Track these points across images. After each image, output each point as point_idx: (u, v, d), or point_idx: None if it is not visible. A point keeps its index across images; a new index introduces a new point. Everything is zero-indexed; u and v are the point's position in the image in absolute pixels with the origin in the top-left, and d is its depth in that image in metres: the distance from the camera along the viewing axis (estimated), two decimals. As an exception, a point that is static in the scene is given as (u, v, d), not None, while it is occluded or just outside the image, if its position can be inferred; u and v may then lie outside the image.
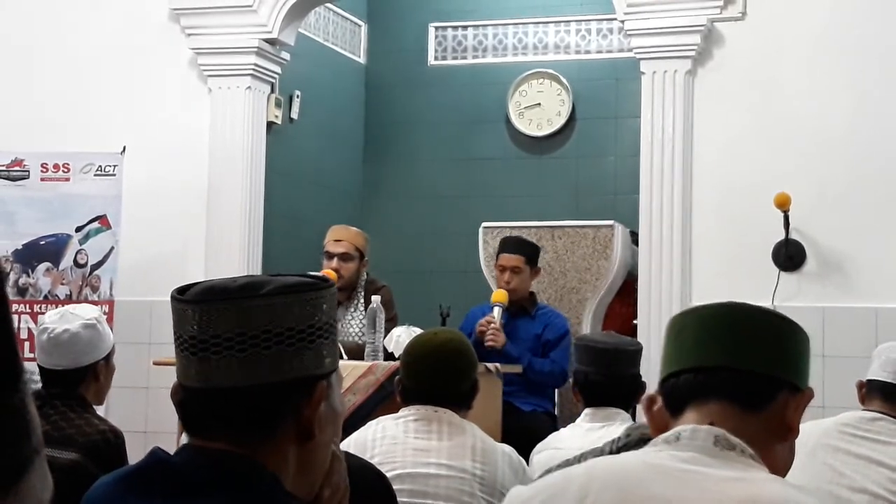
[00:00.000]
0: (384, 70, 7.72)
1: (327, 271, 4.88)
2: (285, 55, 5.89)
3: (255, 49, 5.67)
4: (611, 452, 2.37)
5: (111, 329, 3.40)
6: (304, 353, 1.37)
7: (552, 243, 5.75)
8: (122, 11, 5.85)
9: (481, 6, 7.59)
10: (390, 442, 2.88)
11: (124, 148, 5.55)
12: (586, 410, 3.34)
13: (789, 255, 4.93)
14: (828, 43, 5.00)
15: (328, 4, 6.64)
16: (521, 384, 5.03)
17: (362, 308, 5.01)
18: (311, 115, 6.90)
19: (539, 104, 7.37)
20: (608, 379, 3.29)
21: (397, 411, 2.99)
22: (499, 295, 5.10)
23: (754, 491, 1.36)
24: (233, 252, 5.60)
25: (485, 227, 5.90)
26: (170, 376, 1.44)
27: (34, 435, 0.91)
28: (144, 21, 5.81)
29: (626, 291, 5.73)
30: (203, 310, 1.36)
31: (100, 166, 5.52)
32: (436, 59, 7.67)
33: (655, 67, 5.15)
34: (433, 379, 2.94)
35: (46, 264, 5.47)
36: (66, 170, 5.53)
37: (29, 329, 5.02)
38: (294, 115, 6.70)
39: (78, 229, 5.47)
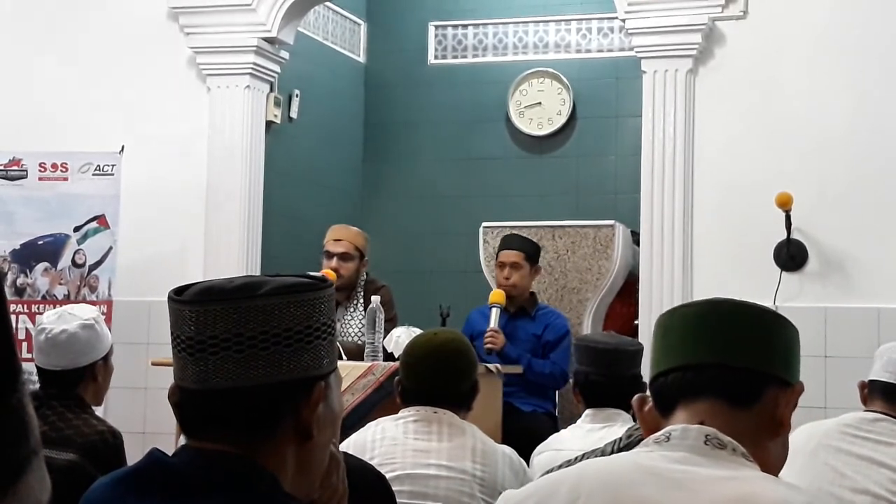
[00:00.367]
0: (384, 69, 7.71)
1: (327, 271, 4.88)
2: (284, 54, 5.88)
3: (255, 48, 5.66)
4: (612, 453, 2.36)
5: (109, 329, 3.39)
6: (302, 353, 1.36)
7: (553, 243, 5.75)
8: (121, 10, 5.84)
9: (481, 5, 7.59)
10: (390, 443, 2.88)
11: (123, 147, 5.54)
12: (587, 411, 3.33)
13: (791, 255, 4.92)
14: (828, 43, 5.00)
15: (328, 3, 6.63)
16: (522, 385, 5.02)
17: (362, 308, 5.00)
18: (311, 115, 6.89)
19: (539, 103, 7.36)
20: (609, 379, 3.28)
21: (396, 411, 2.98)
22: (496, 295, 5.09)
23: (746, 490, 1.35)
24: (232, 252, 5.59)
25: (485, 227, 5.90)
26: (168, 377, 1.44)
27: (32, 435, 0.90)
28: (143, 20, 5.80)
29: (627, 291, 5.72)
30: (200, 311, 1.35)
31: (98, 166, 5.51)
32: (436, 58, 7.67)
33: (656, 66, 5.14)
34: (433, 379, 2.93)
35: (44, 264, 5.46)
36: (64, 169, 5.52)
37: (27, 329, 5.01)
38: (293, 115, 6.69)
39: (76, 229, 5.46)
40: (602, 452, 2.44)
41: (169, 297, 1.39)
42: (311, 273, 1.52)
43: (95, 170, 5.51)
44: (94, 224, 5.47)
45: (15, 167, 5.54)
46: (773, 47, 5.05)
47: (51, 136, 5.71)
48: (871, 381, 3.00)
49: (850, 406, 3.12)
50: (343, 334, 4.92)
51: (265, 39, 5.70)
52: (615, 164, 7.10)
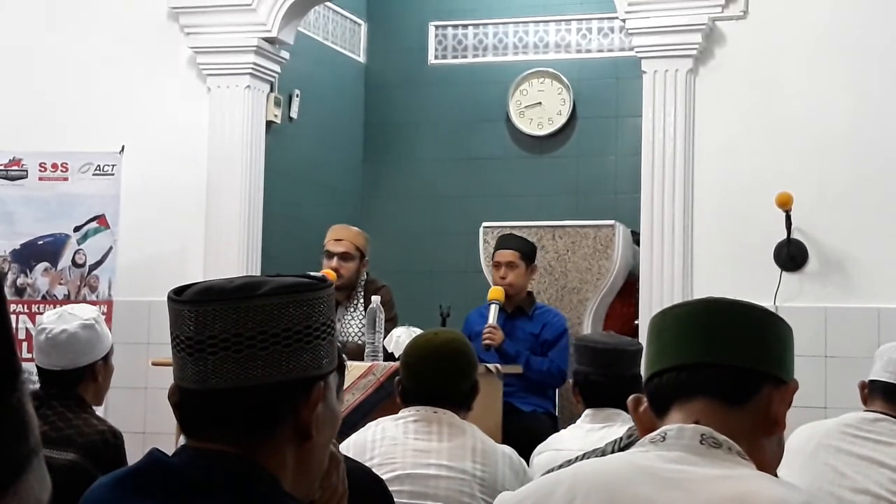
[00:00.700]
0: (384, 69, 7.71)
1: (327, 271, 4.88)
2: (285, 54, 5.87)
3: (255, 48, 5.66)
4: (612, 453, 2.36)
5: (109, 329, 3.39)
6: (302, 353, 1.36)
7: (553, 243, 5.75)
8: (121, 10, 5.83)
9: (482, 5, 7.59)
10: (390, 443, 2.88)
11: (123, 147, 5.54)
12: (587, 411, 3.33)
13: (791, 255, 4.92)
14: (828, 43, 5.00)
15: (328, 3, 6.63)
16: (522, 384, 5.02)
17: (362, 308, 5.00)
18: (311, 115, 6.89)
19: (540, 103, 7.36)
20: (608, 379, 3.28)
21: (397, 411, 2.98)
22: (495, 292, 5.10)
23: (742, 488, 1.35)
24: (232, 252, 5.59)
25: (485, 227, 5.90)
26: (168, 377, 1.44)
27: (32, 435, 0.90)
28: (143, 20, 5.80)
29: (628, 291, 5.72)
30: (199, 310, 1.35)
31: (98, 166, 5.50)
32: (436, 58, 7.67)
33: (656, 66, 5.14)
34: (433, 379, 2.93)
35: (44, 264, 5.45)
36: (64, 169, 5.52)
37: (27, 329, 5.01)
38: (293, 115, 6.69)
39: (76, 229, 5.46)
40: (602, 452, 2.45)
41: (168, 297, 1.39)
42: (311, 273, 1.52)
43: (95, 170, 5.50)
44: (94, 224, 5.47)
45: (15, 167, 5.53)
46: (773, 47, 5.05)
47: (51, 136, 5.71)
48: (872, 381, 3.00)
49: (850, 406, 3.12)
50: (343, 334, 4.92)
51: (265, 39, 5.70)
52: (615, 164, 7.10)
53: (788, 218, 4.85)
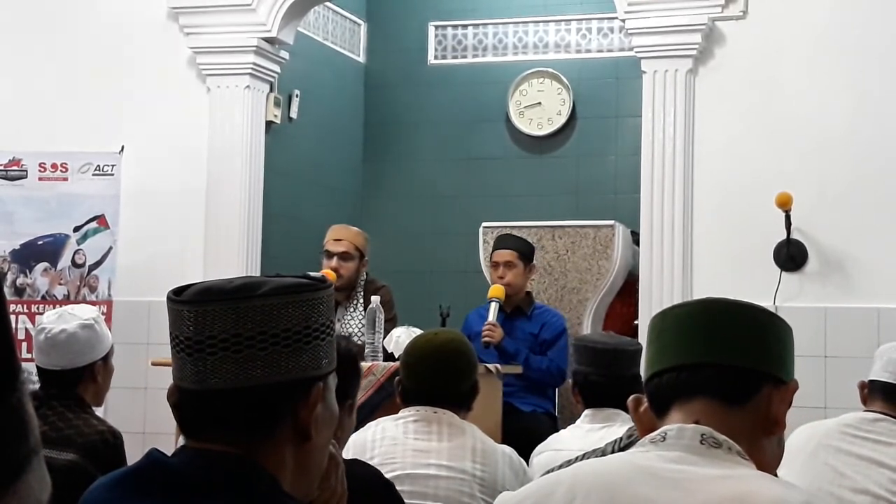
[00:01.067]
0: (384, 69, 7.71)
1: (326, 271, 4.88)
2: (284, 54, 5.87)
3: (254, 48, 5.66)
4: (612, 453, 2.36)
5: (109, 329, 3.39)
6: (301, 354, 1.36)
7: (553, 243, 5.75)
8: (121, 10, 5.83)
9: (481, 5, 7.59)
10: (390, 443, 2.88)
11: (122, 147, 5.54)
12: (586, 411, 3.33)
13: (791, 255, 4.92)
14: (828, 43, 5.00)
15: (328, 3, 6.63)
16: (521, 385, 5.02)
17: (362, 308, 5.00)
18: (311, 115, 6.89)
19: (539, 103, 7.36)
20: (608, 379, 3.28)
21: (397, 412, 2.98)
22: (495, 290, 5.11)
23: (742, 488, 1.35)
24: (231, 252, 5.59)
25: (485, 227, 5.90)
26: (168, 377, 1.44)
27: (32, 435, 0.90)
28: (143, 20, 5.80)
29: (627, 291, 5.72)
30: (199, 311, 1.35)
31: (98, 166, 5.50)
32: (436, 58, 7.67)
33: (656, 66, 5.14)
34: (433, 380, 2.93)
35: (44, 264, 5.45)
36: (64, 169, 5.52)
37: (26, 330, 5.01)
38: (293, 115, 6.69)
39: (76, 229, 5.46)
40: (602, 452, 2.45)
41: (168, 298, 1.39)
42: (311, 273, 1.52)
43: (95, 170, 5.50)
44: (93, 224, 5.47)
45: (15, 167, 5.53)
46: (773, 47, 5.05)
47: (51, 136, 5.71)
48: (871, 381, 3.00)
49: (850, 406, 3.12)
50: (343, 334, 4.92)
51: (265, 39, 5.70)
52: (615, 164, 7.10)
53: (788, 218, 4.85)
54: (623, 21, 5.26)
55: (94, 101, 5.78)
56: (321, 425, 1.40)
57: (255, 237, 5.70)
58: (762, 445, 1.50)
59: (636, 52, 5.24)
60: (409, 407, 2.94)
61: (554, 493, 1.43)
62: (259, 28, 5.67)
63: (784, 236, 4.90)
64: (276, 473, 1.35)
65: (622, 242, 5.70)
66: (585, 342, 3.45)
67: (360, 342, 4.80)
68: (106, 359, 3.15)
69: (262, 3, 5.65)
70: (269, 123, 6.04)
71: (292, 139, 6.69)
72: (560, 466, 2.21)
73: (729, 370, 1.50)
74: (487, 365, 4.49)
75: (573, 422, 3.44)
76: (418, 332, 3.49)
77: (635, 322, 5.28)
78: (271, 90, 6.04)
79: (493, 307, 5.04)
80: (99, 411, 3.31)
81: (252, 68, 5.68)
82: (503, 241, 5.31)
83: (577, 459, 2.35)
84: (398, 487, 2.67)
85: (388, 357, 4.51)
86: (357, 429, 2.99)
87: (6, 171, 5.53)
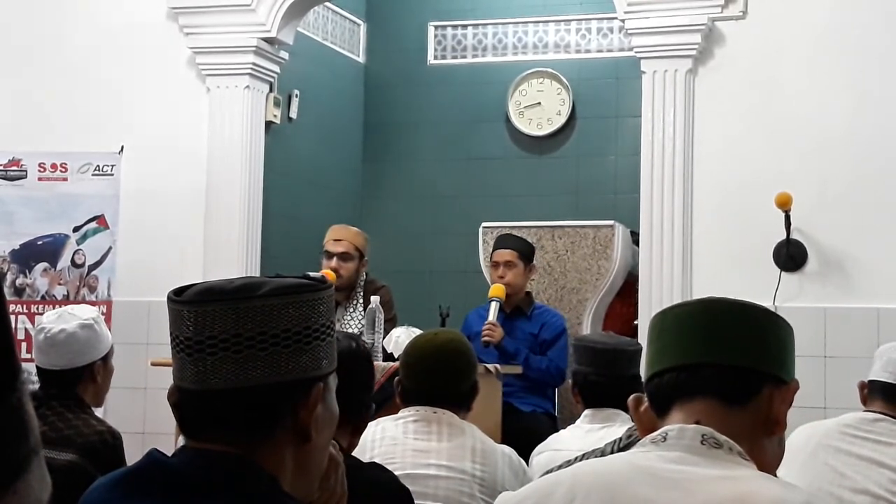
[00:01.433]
0: (383, 69, 7.71)
1: (326, 271, 4.88)
2: (284, 54, 5.87)
3: (254, 48, 5.66)
4: (612, 453, 2.36)
5: (109, 329, 3.39)
6: (301, 354, 1.36)
7: (552, 243, 5.75)
8: (120, 10, 5.83)
9: (481, 5, 7.59)
10: (390, 443, 2.88)
11: (122, 147, 5.54)
12: (586, 412, 3.34)
13: (790, 256, 4.92)
14: (828, 43, 5.00)
15: (327, 3, 6.63)
16: (521, 385, 5.03)
17: (361, 308, 5.00)
18: (310, 115, 6.88)
19: (539, 103, 7.36)
20: (608, 380, 3.29)
21: (398, 412, 2.98)
22: (496, 289, 5.11)
23: (742, 489, 1.35)
24: (231, 252, 5.59)
25: (485, 227, 5.90)
26: (168, 377, 1.44)
27: (32, 435, 0.90)
28: (142, 20, 5.80)
29: (627, 292, 5.72)
30: (199, 311, 1.35)
31: (98, 166, 5.50)
32: (435, 58, 7.67)
33: (656, 67, 5.14)
34: (433, 380, 2.93)
35: (44, 264, 5.45)
36: (63, 169, 5.51)
37: (26, 330, 5.00)
38: (293, 115, 6.69)
39: (76, 229, 5.46)
40: (602, 452, 2.45)
41: (168, 298, 1.39)
42: (311, 274, 1.52)
43: (95, 170, 5.50)
44: (93, 224, 5.47)
45: (14, 167, 5.53)
46: (773, 47, 5.05)
47: (50, 136, 5.71)
48: (871, 382, 3.00)
49: (849, 406, 3.12)
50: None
51: (265, 39, 5.70)
52: (615, 164, 7.10)
53: (788, 218, 4.85)
54: (623, 21, 5.26)
55: (94, 101, 5.78)
56: (321, 426, 1.40)
57: (254, 237, 5.70)
58: (763, 446, 1.50)
59: (636, 52, 5.24)
60: (409, 407, 2.94)
61: (554, 493, 1.43)
62: (259, 28, 5.67)
63: (784, 236, 4.90)
64: (275, 474, 1.35)
65: (622, 242, 5.70)
66: (585, 342, 3.45)
67: (359, 342, 4.80)
68: (106, 359, 3.15)
69: (262, 3, 5.65)
70: (268, 123, 6.04)
71: (292, 139, 6.69)
72: (560, 467, 2.21)
73: (729, 370, 1.50)
74: (487, 365, 4.49)
75: (573, 422, 3.44)
76: (418, 332, 3.49)
77: (635, 322, 5.28)
78: (271, 90, 6.04)
79: (494, 307, 5.04)
80: (99, 411, 3.31)
81: (252, 68, 5.68)
82: (503, 241, 5.31)
83: (576, 460, 2.35)
84: (398, 488, 2.67)
85: (388, 357, 4.51)
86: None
87: (6, 171, 5.53)
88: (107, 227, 5.47)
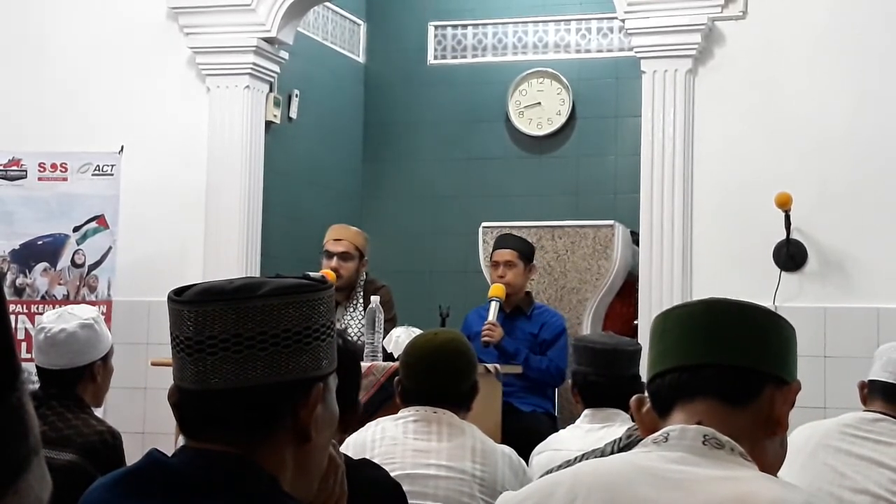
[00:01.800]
0: (383, 69, 7.71)
1: (326, 271, 4.88)
2: (284, 54, 5.87)
3: (254, 48, 5.66)
4: (612, 453, 2.36)
5: (109, 329, 3.39)
6: (301, 354, 1.36)
7: (552, 243, 5.75)
8: (120, 10, 5.83)
9: (481, 5, 7.59)
10: (390, 443, 2.88)
11: (122, 147, 5.54)
12: (586, 411, 3.34)
13: (790, 255, 4.92)
14: (828, 43, 5.00)
15: (327, 3, 6.63)
16: (521, 385, 5.03)
17: (361, 308, 5.00)
18: (310, 115, 6.89)
19: (539, 103, 7.36)
20: (607, 380, 3.29)
21: (397, 412, 2.98)
22: (496, 289, 5.11)
23: (743, 489, 1.35)
24: (231, 252, 5.59)
25: (485, 227, 5.90)
26: (168, 377, 1.44)
27: (32, 435, 0.90)
28: (142, 20, 5.80)
29: (627, 292, 5.72)
30: (199, 311, 1.35)
31: (98, 166, 5.50)
32: (435, 58, 7.67)
33: (656, 66, 5.14)
34: (433, 380, 2.93)
35: (44, 264, 5.45)
36: (63, 169, 5.52)
37: (26, 330, 5.00)
38: (293, 115, 6.69)
39: (76, 229, 5.46)
40: (602, 453, 2.44)
41: (168, 298, 1.39)
42: (311, 274, 1.52)
43: (95, 170, 5.50)
44: (93, 224, 5.47)
45: (14, 167, 5.53)
46: (773, 47, 5.05)
47: (50, 136, 5.71)
48: (871, 381, 3.00)
49: (849, 406, 3.12)
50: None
51: (265, 39, 5.70)
52: (615, 164, 7.10)
53: (788, 218, 4.85)
54: (623, 21, 5.27)
55: (94, 101, 5.79)
56: (321, 426, 1.40)
57: (254, 237, 5.70)
58: (764, 446, 1.49)
59: (636, 52, 5.24)
60: (409, 407, 2.94)
61: (555, 492, 1.43)
62: (259, 28, 5.67)
63: (784, 236, 4.90)
64: (275, 474, 1.35)
65: (622, 242, 5.70)
66: (585, 342, 3.45)
67: (359, 342, 4.80)
68: (105, 359, 3.15)
69: (262, 3, 5.65)
70: (268, 123, 6.04)
71: (292, 139, 6.69)
72: (560, 467, 2.21)
73: (730, 371, 1.49)
74: (487, 365, 4.50)
75: (573, 422, 3.44)
76: (418, 332, 3.48)
77: (635, 322, 5.28)
78: (271, 90, 6.04)
79: (494, 306, 5.04)
80: (99, 411, 3.31)
81: (252, 68, 5.68)
82: (503, 241, 5.32)
83: (576, 460, 2.35)
84: (398, 488, 2.67)
85: (388, 357, 4.51)
86: (357, 429, 2.99)
87: (6, 171, 5.53)
88: (107, 227, 5.47)
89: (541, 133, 7.36)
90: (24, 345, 4.67)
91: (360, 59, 7.73)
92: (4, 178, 5.53)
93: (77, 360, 3.05)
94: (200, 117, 5.69)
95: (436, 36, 7.67)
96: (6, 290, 1.01)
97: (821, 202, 4.92)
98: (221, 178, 5.65)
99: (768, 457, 1.50)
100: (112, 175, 5.50)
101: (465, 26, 7.61)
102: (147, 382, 5.31)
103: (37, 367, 3.09)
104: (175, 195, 5.66)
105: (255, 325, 1.34)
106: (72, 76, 5.84)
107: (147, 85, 5.77)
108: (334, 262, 5.02)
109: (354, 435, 2.94)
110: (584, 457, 2.41)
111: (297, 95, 6.71)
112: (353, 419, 2.34)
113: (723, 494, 1.35)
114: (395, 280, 5.48)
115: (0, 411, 0.88)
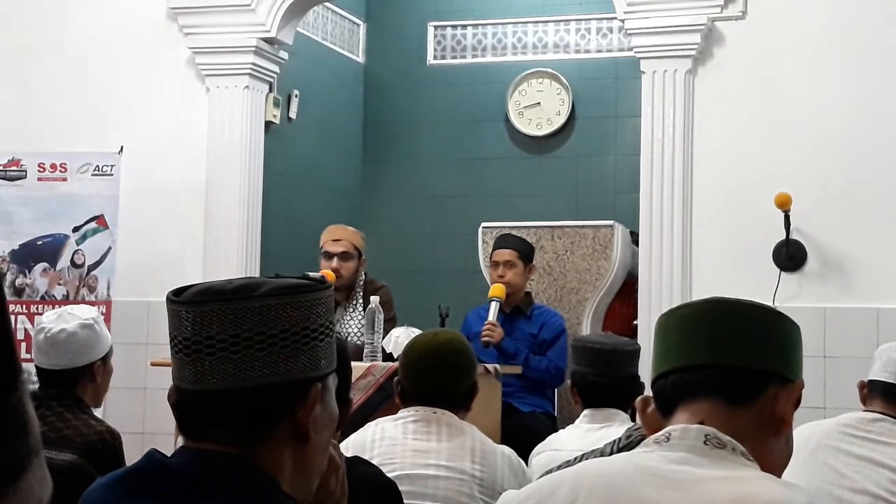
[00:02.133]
0: (383, 69, 7.71)
1: (326, 271, 4.88)
2: (284, 54, 5.87)
3: (254, 48, 5.66)
4: (611, 453, 2.36)
5: (108, 330, 3.39)
6: (299, 355, 1.36)
7: (552, 243, 5.75)
8: (120, 10, 5.83)
9: (480, 5, 7.58)
10: (389, 443, 2.88)
11: (122, 148, 5.54)
12: (585, 412, 3.34)
13: (790, 256, 4.93)
14: (828, 43, 5.00)
15: (327, 3, 6.63)
16: (521, 385, 5.03)
17: (361, 308, 5.00)
18: (310, 115, 6.89)
19: (539, 103, 7.36)
20: (606, 380, 3.29)
21: (397, 412, 2.98)
22: (496, 289, 5.11)
23: (744, 489, 1.35)
24: (231, 252, 5.59)
25: (484, 227, 5.90)
26: (168, 377, 1.44)
27: (32, 435, 0.90)
28: (142, 20, 5.80)
29: (627, 292, 5.72)
30: (197, 311, 1.35)
31: (97, 166, 5.51)
32: (435, 58, 7.67)
33: (655, 67, 5.14)
34: (432, 380, 2.93)
35: (43, 265, 5.45)
36: (63, 170, 5.52)
37: (26, 330, 5.00)
38: (292, 115, 6.69)
39: (75, 229, 5.46)
40: (601, 453, 2.44)
41: (167, 298, 1.39)
42: (311, 274, 1.52)
43: (94, 170, 5.50)
44: (93, 224, 5.47)
45: (14, 167, 5.53)
46: (773, 47, 5.05)
47: (50, 136, 5.71)
48: (871, 381, 3.00)
49: (849, 406, 3.12)
50: (342, 334, 4.92)
51: (264, 40, 5.70)
52: (614, 164, 7.10)
53: (787, 218, 4.85)
54: (622, 21, 5.27)
55: (93, 101, 5.78)
56: (320, 426, 1.40)
57: (254, 237, 5.70)
58: (769, 445, 1.49)
59: (635, 53, 5.24)
60: (409, 407, 2.94)
61: (556, 492, 1.43)
62: (258, 28, 5.67)
63: (783, 236, 4.90)
64: (274, 474, 1.35)
65: (621, 243, 5.70)
66: (584, 342, 3.45)
67: (359, 342, 4.80)
68: (105, 359, 3.15)
69: (262, 3, 5.65)
70: (268, 123, 6.04)
71: (291, 139, 6.69)
72: (559, 467, 2.21)
73: (733, 370, 1.49)
74: (486, 365, 4.50)
75: (572, 422, 3.44)
76: (417, 332, 3.48)
77: (634, 322, 5.28)
78: (270, 90, 6.04)
79: (494, 306, 5.04)
80: (98, 412, 3.31)
81: (251, 68, 5.68)
82: (503, 241, 5.32)
83: (576, 460, 2.35)
84: (398, 488, 2.67)
85: (388, 357, 4.51)
86: (356, 429, 2.99)
87: (5, 171, 5.53)
88: (106, 228, 5.47)
89: (540, 133, 7.35)
90: (23, 345, 4.67)
91: (360, 59, 7.73)
92: (4, 178, 5.53)
93: (77, 361, 3.05)
94: (200, 117, 5.69)
95: (435, 36, 7.67)
96: (6, 290, 1.02)
97: (820, 202, 4.92)
98: (221, 178, 5.65)
99: (773, 455, 1.50)
100: (111, 175, 5.50)
101: (464, 26, 7.61)
102: (147, 383, 5.31)
103: (36, 367, 3.09)
104: (174, 195, 5.66)
105: (253, 326, 1.34)
106: (71, 76, 5.84)
107: (147, 85, 5.77)
108: (334, 262, 5.02)
109: (354, 435, 2.94)
110: (583, 457, 2.41)
111: (296, 95, 6.71)
112: (345, 417, 2.34)
113: (724, 494, 1.35)
114: (394, 280, 5.48)
115: (0, 411, 0.88)
